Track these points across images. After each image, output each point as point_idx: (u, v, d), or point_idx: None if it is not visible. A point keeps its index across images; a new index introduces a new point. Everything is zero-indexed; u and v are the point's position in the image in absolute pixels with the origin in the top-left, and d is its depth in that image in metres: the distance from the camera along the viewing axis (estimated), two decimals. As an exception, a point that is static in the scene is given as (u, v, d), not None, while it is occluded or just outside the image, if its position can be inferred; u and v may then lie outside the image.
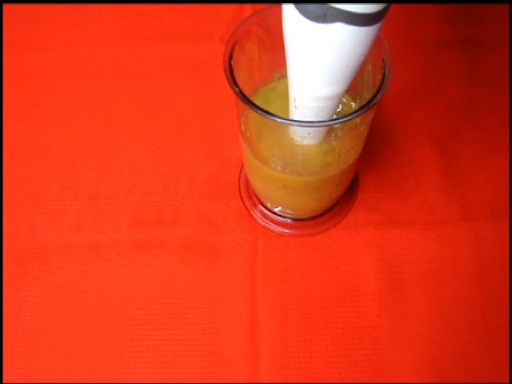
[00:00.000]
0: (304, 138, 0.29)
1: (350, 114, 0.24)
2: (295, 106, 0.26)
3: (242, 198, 0.41)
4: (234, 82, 0.26)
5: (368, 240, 0.38)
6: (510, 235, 0.38)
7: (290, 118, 0.28)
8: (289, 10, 0.21)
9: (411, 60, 0.47)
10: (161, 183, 0.42)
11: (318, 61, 0.22)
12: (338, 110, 0.31)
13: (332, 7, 0.19)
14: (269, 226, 0.39)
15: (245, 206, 0.40)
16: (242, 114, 0.30)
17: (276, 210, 0.39)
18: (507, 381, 0.33)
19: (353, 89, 0.31)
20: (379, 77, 0.26)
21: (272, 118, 0.24)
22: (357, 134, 0.29)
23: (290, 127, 0.29)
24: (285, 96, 0.28)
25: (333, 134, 0.29)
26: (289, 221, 0.40)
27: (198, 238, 0.39)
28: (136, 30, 0.50)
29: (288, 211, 0.39)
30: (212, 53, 0.48)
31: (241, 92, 0.25)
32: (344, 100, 0.32)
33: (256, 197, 0.40)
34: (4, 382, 0.34)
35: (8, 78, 0.48)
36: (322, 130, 0.28)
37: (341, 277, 0.37)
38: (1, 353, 0.35)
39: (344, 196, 0.39)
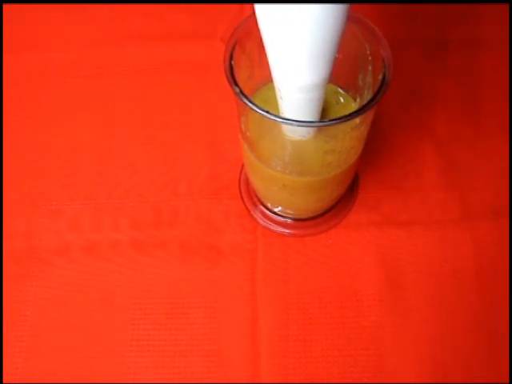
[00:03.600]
0: (303, 136, 0.29)
1: (350, 114, 0.24)
2: (281, 98, 0.26)
3: (242, 197, 0.41)
4: (234, 81, 0.25)
5: (368, 240, 0.38)
6: (510, 235, 0.38)
7: (280, 109, 0.28)
8: None
9: (411, 60, 0.47)
10: (161, 183, 0.42)
11: (293, 41, 0.22)
12: (335, 109, 0.31)
13: None
14: (269, 225, 0.39)
15: (245, 205, 0.40)
16: (243, 113, 0.30)
17: (276, 209, 0.39)
18: (507, 381, 0.33)
19: (353, 89, 0.31)
20: (379, 77, 0.26)
21: (272, 117, 0.24)
22: (357, 134, 0.29)
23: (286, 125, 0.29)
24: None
25: (333, 134, 0.29)
26: (289, 221, 0.40)
27: (198, 237, 0.39)
28: (136, 30, 0.50)
29: (288, 211, 0.39)
30: (212, 53, 0.48)
31: (241, 92, 0.25)
32: (344, 100, 0.32)
33: (256, 197, 0.40)
34: (4, 382, 0.34)
35: (8, 78, 0.48)
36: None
37: (341, 277, 0.37)
38: (1, 353, 0.35)
39: (344, 196, 0.39)
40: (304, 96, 0.25)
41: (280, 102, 0.27)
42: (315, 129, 0.29)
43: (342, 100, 0.32)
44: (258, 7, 0.22)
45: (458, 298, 0.36)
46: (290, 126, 0.29)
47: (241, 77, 0.26)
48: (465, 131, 0.43)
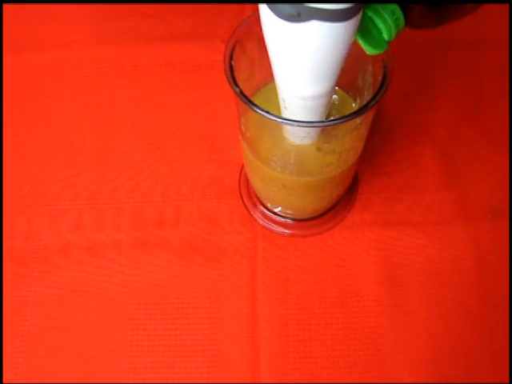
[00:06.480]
0: (304, 138, 0.29)
1: (350, 115, 0.24)
2: (285, 108, 0.27)
3: (242, 198, 0.41)
4: (234, 82, 0.26)
5: (368, 240, 0.38)
6: (510, 235, 0.38)
7: (282, 115, 0.28)
8: (264, 10, 0.21)
9: (411, 60, 0.47)
10: (162, 183, 0.42)
11: (299, 59, 0.22)
12: (335, 109, 0.31)
13: (305, 6, 0.19)
14: (269, 226, 0.39)
15: (245, 206, 0.40)
16: (243, 114, 0.30)
17: (276, 210, 0.39)
18: (507, 381, 0.33)
19: (353, 89, 0.31)
20: (379, 77, 0.26)
21: (272, 118, 0.24)
22: (357, 134, 0.29)
23: (288, 129, 0.29)
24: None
25: (333, 135, 0.29)
26: (289, 221, 0.40)
27: (198, 238, 0.39)
28: (136, 30, 0.50)
29: (288, 211, 0.39)
30: (212, 53, 0.48)
31: (241, 92, 0.25)
32: (344, 100, 0.32)
33: (256, 197, 0.40)
34: (4, 382, 0.34)
35: (8, 78, 0.48)
36: (319, 129, 0.28)
37: (341, 277, 0.37)
38: (1, 353, 0.35)
39: (344, 196, 0.39)
40: (308, 103, 0.25)
41: (284, 111, 0.27)
42: (315, 133, 0.29)
43: (341, 100, 0.32)
44: (264, 22, 0.22)
45: (457, 298, 0.36)
46: (297, 131, 0.29)
47: (241, 77, 0.26)
48: (465, 131, 0.43)
